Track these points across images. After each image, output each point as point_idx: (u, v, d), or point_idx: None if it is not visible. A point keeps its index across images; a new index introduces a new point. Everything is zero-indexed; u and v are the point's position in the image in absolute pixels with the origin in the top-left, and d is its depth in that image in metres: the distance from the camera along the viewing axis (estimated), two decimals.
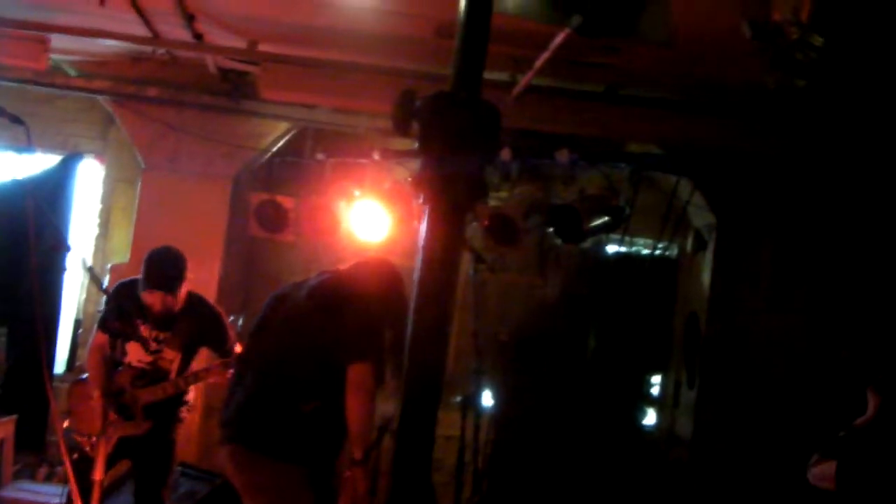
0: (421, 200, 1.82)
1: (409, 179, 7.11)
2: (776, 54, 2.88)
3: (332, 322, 4.48)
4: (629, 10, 2.12)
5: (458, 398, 6.43)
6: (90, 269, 5.80)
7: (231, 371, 5.60)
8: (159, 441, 5.90)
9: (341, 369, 4.33)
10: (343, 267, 4.92)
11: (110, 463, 5.53)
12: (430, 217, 1.80)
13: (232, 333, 6.05)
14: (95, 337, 6.04)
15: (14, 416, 6.56)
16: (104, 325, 5.93)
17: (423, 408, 1.73)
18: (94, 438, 5.57)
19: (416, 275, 1.82)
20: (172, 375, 5.86)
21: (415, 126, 1.84)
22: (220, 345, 5.99)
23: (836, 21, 2.73)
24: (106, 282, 7.75)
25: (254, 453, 4.50)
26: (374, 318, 4.54)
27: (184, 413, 6.08)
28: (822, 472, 4.55)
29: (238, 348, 5.89)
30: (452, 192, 1.79)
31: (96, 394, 5.72)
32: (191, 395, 6.11)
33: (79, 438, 5.77)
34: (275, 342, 4.66)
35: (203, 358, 6.17)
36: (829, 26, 2.71)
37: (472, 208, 1.84)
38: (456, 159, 1.80)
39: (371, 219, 7.27)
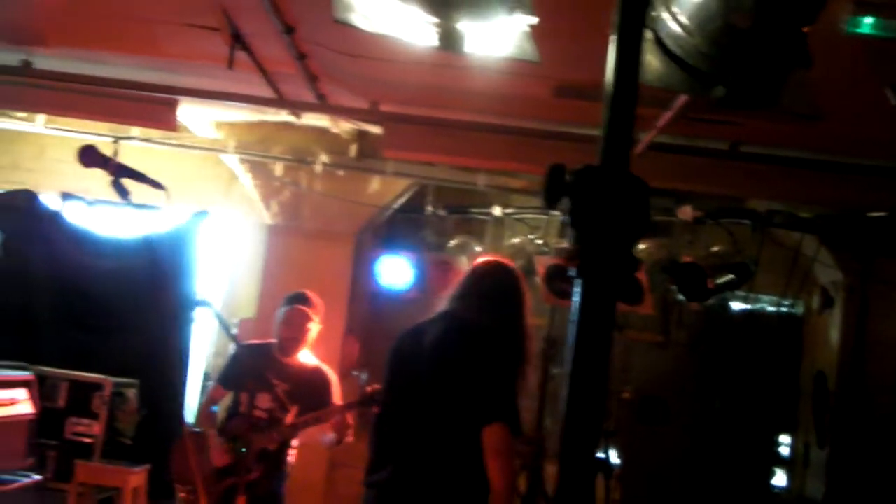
0: (573, 274, 1.81)
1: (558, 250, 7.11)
2: None
3: (461, 379, 4.16)
4: (773, 82, 2.10)
5: None
6: (219, 317, 6.00)
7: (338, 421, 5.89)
8: (268, 492, 6.04)
9: (475, 432, 4.06)
10: (458, 305, 4.43)
11: None
12: (583, 291, 1.79)
13: (336, 399, 6.24)
14: (213, 390, 6.39)
15: (147, 466, 6.71)
16: (224, 380, 6.27)
17: (581, 487, 1.71)
18: (196, 489, 5.76)
19: (568, 351, 1.80)
20: (286, 423, 6.04)
21: (565, 200, 1.84)
22: (324, 404, 6.16)
23: None
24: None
25: None
26: (506, 364, 4.19)
27: (290, 465, 6.22)
28: None
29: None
30: (605, 266, 1.78)
31: (211, 441, 5.97)
32: (294, 453, 6.29)
33: (181, 489, 5.95)
34: (409, 406, 4.38)
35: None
36: None
37: (625, 282, 1.83)
38: (608, 234, 1.79)
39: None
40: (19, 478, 4.84)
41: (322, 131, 7.82)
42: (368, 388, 5.74)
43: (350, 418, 5.99)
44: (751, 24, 1.98)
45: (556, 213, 7.45)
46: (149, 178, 3.47)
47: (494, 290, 4.36)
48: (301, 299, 6.30)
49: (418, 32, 2.15)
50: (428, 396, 4.22)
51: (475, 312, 4.28)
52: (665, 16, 2.07)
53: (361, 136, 7.85)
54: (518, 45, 2.25)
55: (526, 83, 5.84)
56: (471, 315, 4.28)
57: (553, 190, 1.87)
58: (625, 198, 1.83)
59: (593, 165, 1.86)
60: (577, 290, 1.83)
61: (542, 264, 7.29)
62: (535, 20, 2.25)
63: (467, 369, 4.12)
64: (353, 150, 8.02)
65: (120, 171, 3.25)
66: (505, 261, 4.64)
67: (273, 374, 6.03)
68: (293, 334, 6.23)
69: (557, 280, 7.27)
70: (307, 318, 6.25)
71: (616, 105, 1.89)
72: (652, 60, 2.12)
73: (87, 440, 7.09)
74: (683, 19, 2.06)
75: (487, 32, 2.11)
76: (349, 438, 6.11)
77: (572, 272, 1.84)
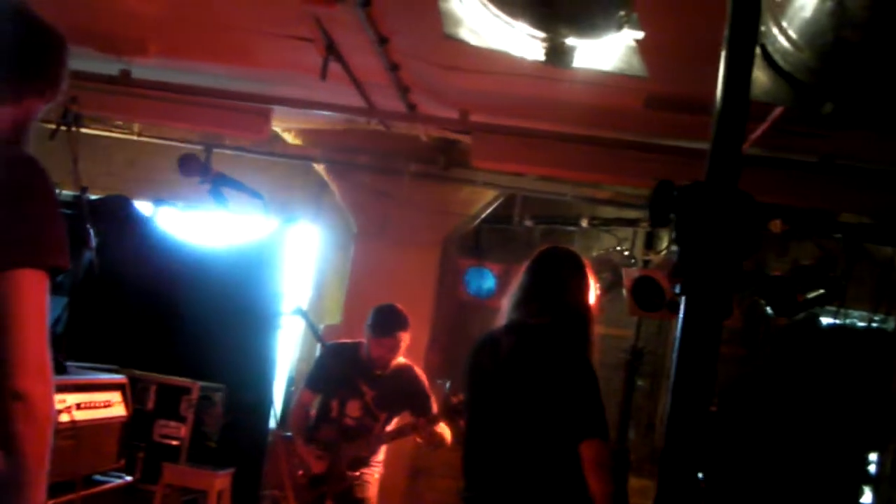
0: (678, 291, 1.81)
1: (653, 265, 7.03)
2: None
3: (549, 397, 4.03)
4: (883, 99, 2.07)
5: None
6: (310, 322, 6.07)
7: (429, 430, 5.87)
8: (358, 500, 6.08)
9: (570, 447, 3.95)
10: (523, 312, 4.24)
11: None
12: (687, 308, 1.79)
13: (434, 400, 6.21)
14: (301, 394, 6.42)
15: (232, 470, 6.79)
16: (313, 383, 6.30)
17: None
18: (290, 493, 5.83)
19: (672, 367, 1.80)
20: (376, 432, 6.07)
21: (672, 216, 1.84)
22: (423, 410, 6.14)
23: None
24: (317, 352, 8.05)
25: None
26: (588, 371, 4.04)
27: (379, 472, 6.25)
28: None
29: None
30: (712, 284, 1.78)
31: (300, 449, 6.04)
32: (382, 456, 6.30)
33: (275, 493, 6.01)
34: (496, 423, 4.23)
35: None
36: None
37: (731, 300, 1.82)
38: (715, 251, 1.79)
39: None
40: (111, 478, 4.94)
41: (410, 140, 7.87)
42: (454, 399, 5.75)
43: (439, 429, 5.95)
44: (862, 39, 1.96)
45: (643, 225, 7.42)
46: (247, 188, 3.53)
47: (549, 283, 4.24)
48: (400, 324, 6.13)
49: (525, 47, 2.16)
50: (515, 413, 4.13)
51: (539, 315, 4.16)
52: (774, 30, 2.06)
53: (450, 145, 7.88)
54: (625, 60, 2.25)
55: (617, 94, 5.82)
56: (537, 321, 4.16)
57: (660, 205, 1.87)
58: (733, 214, 1.82)
59: (701, 181, 1.86)
60: (682, 307, 1.83)
61: (628, 276, 7.25)
62: (641, 35, 2.25)
63: (553, 386, 4.01)
64: (441, 159, 8.07)
65: (219, 180, 3.31)
66: (551, 247, 4.49)
67: (362, 381, 6.07)
68: (389, 356, 6.17)
69: (644, 292, 7.22)
70: (404, 342, 6.19)
71: (725, 120, 1.89)
72: (759, 75, 2.11)
73: (174, 442, 7.20)
74: (792, 34, 2.05)
75: (595, 47, 2.11)
76: (446, 444, 6.07)
77: (677, 288, 1.85)
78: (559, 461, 4.00)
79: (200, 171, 3.30)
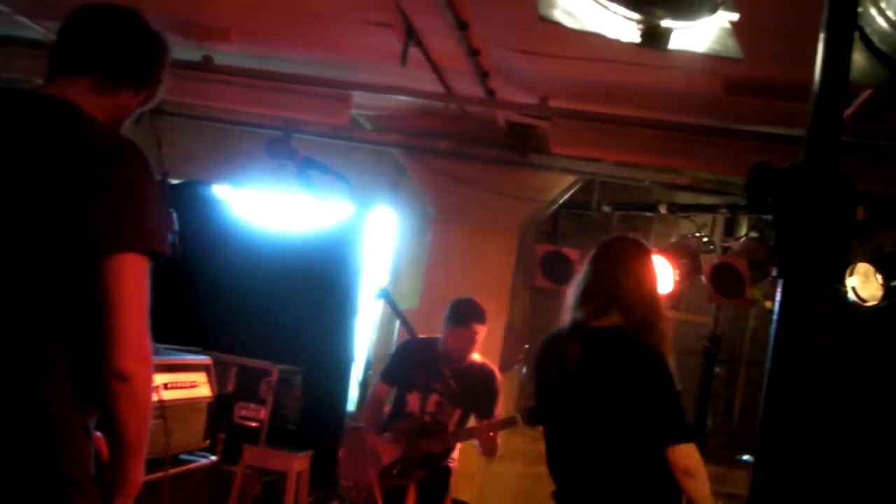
0: (775, 274, 1.80)
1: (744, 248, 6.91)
2: None
3: (623, 403, 3.90)
4: None
5: (746, 456, 6.28)
6: (390, 298, 6.09)
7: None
8: (432, 494, 6.11)
9: (657, 453, 3.82)
10: (586, 312, 4.05)
11: None
12: (784, 292, 1.78)
13: (500, 401, 6.19)
14: (377, 388, 6.43)
15: (310, 452, 6.87)
16: (389, 377, 6.31)
17: (779, 492, 1.70)
18: (362, 486, 5.87)
19: (769, 356, 1.79)
20: (450, 429, 6.07)
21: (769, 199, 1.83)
22: (486, 412, 6.11)
23: None
24: (394, 336, 8.13)
25: None
26: (661, 372, 3.90)
27: (454, 463, 6.27)
28: None
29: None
30: (810, 268, 1.76)
31: (372, 440, 6.06)
32: (457, 453, 6.32)
33: (346, 485, 6.04)
34: (575, 429, 4.09)
35: None
36: None
37: (830, 285, 1.82)
38: (815, 234, 1.78)
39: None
40: (197, 458, 5.03)
41: (488, 125, 7.87)
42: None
43: (497, 438, 5.89)
44: None
45: (722, 211, 7.34)
46: (334, 172, 3.57)
47: (610, 277, 4.02)
48: (477, 316, 6.08)
49: (620, 30, 2.15)
50: (593, 424, 3.99)
51: (602, 314, 3.98)
52: (872, 12, 2.04)
53: (528, 131, 7.87)
54: (720, 42, 2.23)
55: (697, 79, 5.78)
56: (602, 323, 3.98)
57: (757, 188, 1.86)
58: (833, 197, 1.81)
59: (800, 163, 1.84)
60: (779, 290, 1.82)
61: (707, 263, 7.19)
62: (736, 17, 2.24)
63: (628, 396, 3.88)
64: (519, 144, 8.07)
65: (306, 164, 3.35)
66: (613, 238, 4.31)
67: (439, 377, 6.07)
68: (465, 348, 6.10)
69: (723, 279, 7.16)
70: (480, 336, 6.13)
71: (823, 101, 1.87)
72: (856, 56, 2.08)
73: (254, 424, 7.31)
74: (891, 15, 2.02)
75: (690, 29, 2.10)
76: (493, 455, 6.05)
77: (774, 272, 1.84)
78: (645, 467, 3.89)
79: (288, 155, 3.33)
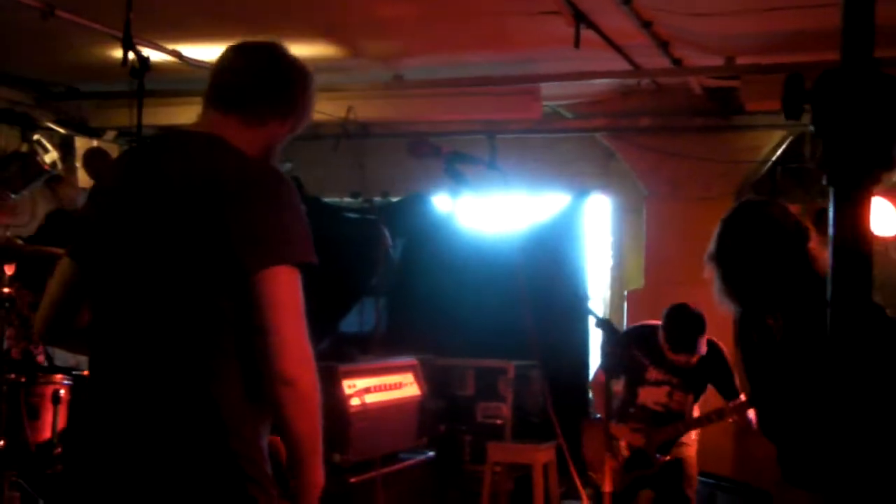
0: (825, 182, 1.77)
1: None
2: None
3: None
4: None
5: None
6: (609, 328, 5.62)
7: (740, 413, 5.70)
8: (674, 472, 6.05)
9: None
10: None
11: (630, 498, 5.79)
12: (835, 199, 1.75)
13: (738, 379, 5.99)
14: (597, 375, 6.41)
15: (554, 442, 6.97)
16: (610, 367, 6.24)
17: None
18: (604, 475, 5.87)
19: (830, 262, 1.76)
20: (686, 416, 6.00)
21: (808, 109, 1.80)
22: (726, 386, 6.03)
23: None
24: (625, 318, 8.08)
25: None
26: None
27: (691, 448, 6.21)
28: None
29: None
30: (857, 170, 1.73)
31: (612, 428, 6.02)
32: (695, 441, 6.24)
33: (593, 475, 6.06)
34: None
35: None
36: None
37: (878, 182, 1.75)
38: (857, 135, 1.74)
39: (881, 216, 6.90)
40: (415, 455, 5.20)
41: (685, 94, 7.76)
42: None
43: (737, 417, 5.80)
44: None
45: None
46: (483, 161, 3.63)
47: (741, 271, 3.60)
48: (697, 332, 5.81)
49: None
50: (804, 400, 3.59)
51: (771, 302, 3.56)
52: None
53: (726, 93, 7.69)
54: None
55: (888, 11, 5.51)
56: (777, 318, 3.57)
57: (793, 100, 1.83)
58: (874, 96, 1.76)
59: (834, 68, 1.80)
60: (830, 199, 1.78)
61: None
62: None
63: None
64: (720, 108, 7.89)
65: (454, 158, 3.42)
66: (738, 209, 3.77)
67: (664, 367, 6.01)
68: (690, 360, 5.95)
69: None
70: (702, 345, 5.91)
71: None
72: None
73: (498, 422, 7.48)
74: None
75: None
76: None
77: (824, 181, 1.80)
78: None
79: (432, 152, 3.43)
